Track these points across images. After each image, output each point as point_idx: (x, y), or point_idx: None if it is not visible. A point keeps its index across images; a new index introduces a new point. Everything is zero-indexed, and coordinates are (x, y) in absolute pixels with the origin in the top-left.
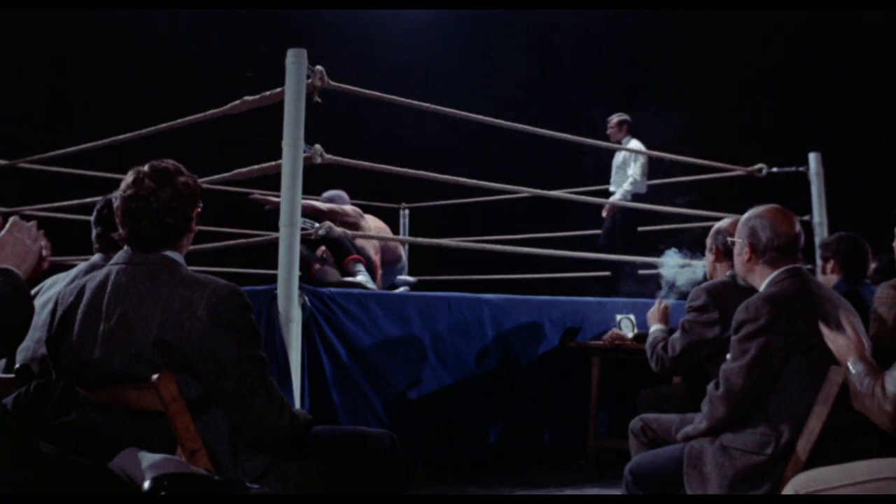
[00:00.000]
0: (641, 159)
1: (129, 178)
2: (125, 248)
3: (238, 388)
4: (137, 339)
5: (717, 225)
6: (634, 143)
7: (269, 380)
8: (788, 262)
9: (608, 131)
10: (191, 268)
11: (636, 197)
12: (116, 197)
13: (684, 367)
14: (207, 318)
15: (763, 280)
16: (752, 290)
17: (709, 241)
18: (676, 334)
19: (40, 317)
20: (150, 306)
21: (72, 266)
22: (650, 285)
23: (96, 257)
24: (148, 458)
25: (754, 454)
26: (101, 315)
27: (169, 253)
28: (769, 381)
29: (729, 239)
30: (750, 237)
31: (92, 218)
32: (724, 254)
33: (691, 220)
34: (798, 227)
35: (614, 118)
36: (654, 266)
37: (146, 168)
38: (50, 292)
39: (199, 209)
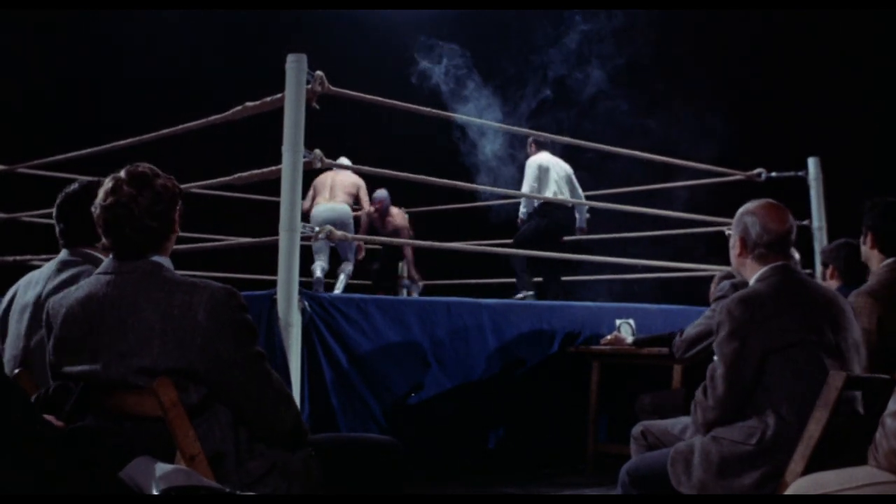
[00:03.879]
0: (529, 172)
1: (106, 185)
2: (110, 256)
3: (246, 385)
4: (138, 348)
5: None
6: (538, 158)
7: (273, 374)
8: (777, 259)
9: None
10: (189, 272)
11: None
12: (95, 206)
13: (691, 352)
14: (208, 320)
15: (752, 275)
16: None
17: None
18: (696, 320)
19: (21, 323)
20: (148, 314)
21: None
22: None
23: (63, 254)
24: (159, 469)
25: (740, 443)
26: (96, 326)
27: (156, 258)
28: (751, 381)
29: (725, 230)
30: (741, 232)
31: (53, 214)
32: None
33: (690, 224)
34: (789, 224)
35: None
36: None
37: (123, 174)
38: (27, 296)
39: (180, 210)
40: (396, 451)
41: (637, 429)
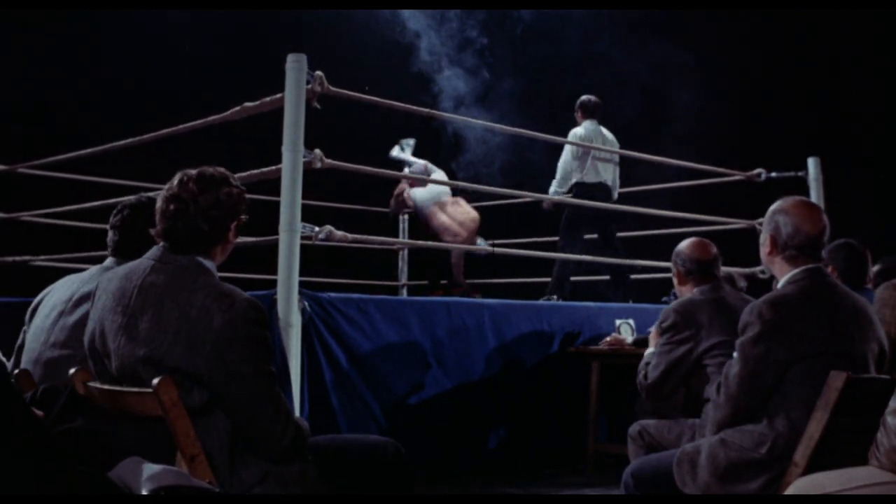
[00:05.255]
0: (568, 147)
1: (175, 178)
2: (161, 243)
3: (247, 401)
4: (150, 339)
5: (677, 247)
6: (579, 129)
7: (278, 394)
8: (808, 262)
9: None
10: None
11: (577, 191)
12: (157, 196)
13: (665, 391)
14: (222, 329)
15: (782, 276)
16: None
17: (672, 264)
18: (653, 360)
19: (48, 319)
20: (168, 310)
21: (70, 270)
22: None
23: (108, 261)
24: (148, 469)
25: (749, 450)
26: (124, 305)
27: (200, 259)
28: (769, 387)
29: (756, 225)
30: (773, 231)
31: (110, 223)
32: (686, 274)
33: (690, 224)
34: (822, 226)
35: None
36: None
37: (194, 172)
38: (57, 295)
39: (240, 221)
40: (397, 452)
41: (634, 428)
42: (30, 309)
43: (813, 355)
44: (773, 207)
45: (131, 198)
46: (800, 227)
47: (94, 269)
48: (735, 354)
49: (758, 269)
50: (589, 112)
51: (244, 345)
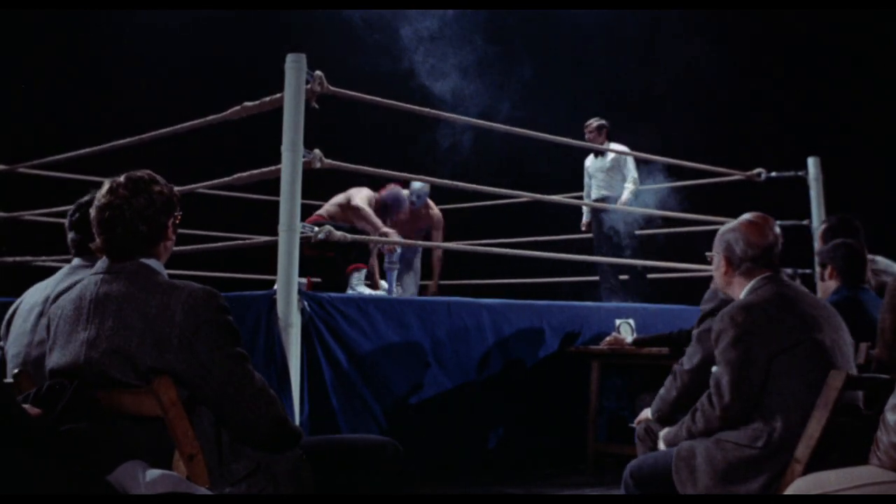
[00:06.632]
0: (632, 160)
1: (103, 188)
2: (103, 257)
3: (225, 386)
4: (120, 348)
5: (722, 229)
6: (617, 147)
7: (255, 374)
8: (764, 271)
9: (587, 137)
10: (189, 272)
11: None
12: (92, 206)
13: (701, 380)
14: (185, 321)
15: (741, 290)
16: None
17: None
18: (691, 347)
19: (28, 321)
20: (129, 314)
21: None
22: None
23: (76, 261)
24: (148, 475)
25: (746, 447)
26: (85, 325)
27: (145, 260)
28: (758, 386)
29: (707, 254)
30: (725, 251)
31: (66, 223)
32: None
33: (690, 224)
34: (772, 236)
35: (593, 122)
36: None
37: (121, 178)
38: (35, 298)
39: (174, 218)
40: (394, 451)
41: (640, 428)
42: (3, 323)
43: (791, 346)
44: (720, 231)
45: (86, 196)
46: (751, 240)
47: (64, 268)
48: (715, 368)
49: None
50: (610, 134)
51: (209, 331)
